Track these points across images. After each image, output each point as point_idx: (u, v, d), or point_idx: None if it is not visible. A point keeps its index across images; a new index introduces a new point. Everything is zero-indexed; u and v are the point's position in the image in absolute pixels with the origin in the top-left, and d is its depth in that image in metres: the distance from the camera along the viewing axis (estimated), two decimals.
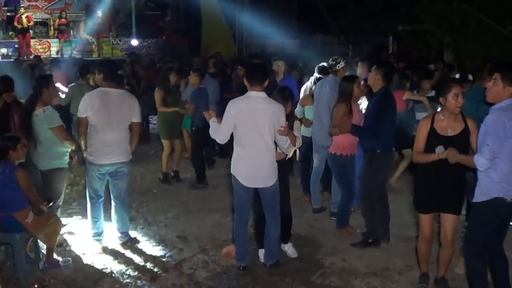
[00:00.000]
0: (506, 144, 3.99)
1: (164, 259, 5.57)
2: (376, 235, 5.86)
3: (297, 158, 6.14)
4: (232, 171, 5.17)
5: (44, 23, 20.37)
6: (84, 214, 6.61)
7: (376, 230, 5.87)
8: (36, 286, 4.90)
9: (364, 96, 6.42)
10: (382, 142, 5.65)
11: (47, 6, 20.69)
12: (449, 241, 4.66)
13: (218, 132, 5.09)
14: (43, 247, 5.32)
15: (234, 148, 5.14)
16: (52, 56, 18.28)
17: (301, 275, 5.20)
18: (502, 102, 4.08)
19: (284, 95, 5.40)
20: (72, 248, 5.81)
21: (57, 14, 19.94)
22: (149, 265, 5.44)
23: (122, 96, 5.78)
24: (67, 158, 5.81)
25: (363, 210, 6.10)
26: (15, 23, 18.36)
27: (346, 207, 6.22)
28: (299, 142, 5.39)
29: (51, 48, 19.45)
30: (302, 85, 8.09)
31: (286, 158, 5.46)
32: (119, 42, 20.73)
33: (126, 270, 5.32)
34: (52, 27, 20.07)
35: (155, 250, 5.81)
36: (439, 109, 4.57)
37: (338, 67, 6.71)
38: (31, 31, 18.72)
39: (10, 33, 19.45)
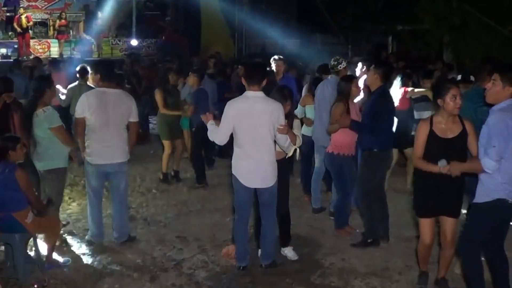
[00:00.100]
0: (510, 144, 3.99)
1: (163, 259, 5.57)
2: (376, 235, 5.86)
3: (297, 157, 6.14)
4: (232, 171, 5.17)
5: (43, 24, 20.34)
6: (83, 214, 6.62)
7: (375, 229, 5.87)
8: (36, 286, 4.90)
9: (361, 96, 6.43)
10: (379, 142, 5.66)
11: (46, 6, 20.67)
12: (449, 243, 4.65)
13: (217, 134, 5.08)
14: (43, 247, 5.32)
15: (234, 149, 5.14)
16: (51, 56, 18.27)
17: (300, 275, 5.20)
18: (503, 103, 4.08)
19: (283, 94, 5.40)
20: (72, 248, 5.81)
21: (56, 15, 19.92)
22: (148, 265, 5.44)
23: (120, 96, 5.78)
24: (66, 158, 5.81)
25: (362, 210, 6.10)
26: (14, 24, 18.34)
27: (342, 207, 6.21)
28: (299, 141, 5.39)
29: (50, 48, 19.44)
30: (302, 84, 8.10)
31: (286, 157, 5.46)
32: (118, 42, 20.72)
33: (126, 270, 5.32)
34: (51, 28, 20.05)
35: (155, 250, 5.81)
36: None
37: (340, 67, 6.73)
38: (30, 31, 18.70)
39: (10, 33, 19.43)
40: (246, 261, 5.31)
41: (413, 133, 6.93)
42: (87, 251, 5.73)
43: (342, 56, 7.18)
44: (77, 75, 8.79)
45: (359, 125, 5.72)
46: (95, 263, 5.46)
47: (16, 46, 18.39)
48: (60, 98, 8.50)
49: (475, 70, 6.65)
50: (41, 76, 6.57)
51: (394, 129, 6.16)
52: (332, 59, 6.88)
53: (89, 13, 20.72)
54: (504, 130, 3.96)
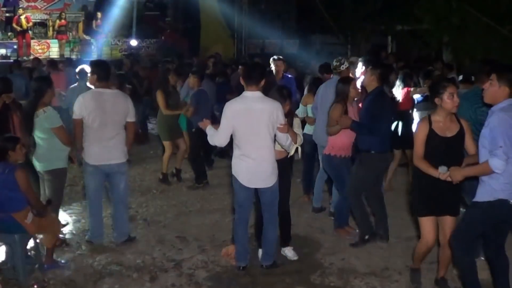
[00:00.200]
0: None
1: (163, 259, 5.57)
2: (371, 230, 5.87)
3: (299, 156, 6.14)
4: (232, 172, 5.17)
5: (43, 24, 20.31)
6: (83, 214, 6.62)
7: (369, 225, 5.90)
8: (35, 286, 4.90)
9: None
10: (377, 143, 5.66)
11: (46, 6, 20.64)
12: (448, 242, 4.65)
13: (217, 136, 5.08)
14: (42, 247, 5.32)
15: (234, 149, 5.14)
16: (51, 57, 18.25)
17: (300, 275, 5.20)
18: (502, 103, 4.08)
19: (282, 93, 5.40)
20: (72, 248, 5.81)
21: (56, 15, 19.89)
22: (148, 265, 5.44)
23: (116, 96, 5.78)
24: (66, 158, 5.81)
25: (351, 208, 6.08)
26: (14, 24, 18.32)
27: (342, 207, 6.21)
28: (300, 140, 5.39)
29: (50, 48, 19.42)
30: (302, 84, 8.10)
31: (288, 156, 5.46)
32: (118, 42, 20.70)
33: (126, 270, 5.31)
34: (51, 28, 20.04)
35: (155, 250, 5.81)
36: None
37: (342, 67, 6.74)
38: (30, 31, 18.69)
39: (9, 33, 19.42)
40: (246, 261, 5.31)
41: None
42: (87, 251, 5.73)
43: (343, 56, 7.18)
44: (77, 76, 8.79)
45: (360, 125, 5.73)
46: (95, 263, 5.46)
47: (15, 46, 18.38)
48: (61, 99, 8.49)
49: (474, 70, 6.66)
50: (41, 76, 6.56)
51: (397, 129, 6.16)
52: (334, 60, 6.88)
53: (89, 14, 20.70)
54: (508, 129, 3.97)
